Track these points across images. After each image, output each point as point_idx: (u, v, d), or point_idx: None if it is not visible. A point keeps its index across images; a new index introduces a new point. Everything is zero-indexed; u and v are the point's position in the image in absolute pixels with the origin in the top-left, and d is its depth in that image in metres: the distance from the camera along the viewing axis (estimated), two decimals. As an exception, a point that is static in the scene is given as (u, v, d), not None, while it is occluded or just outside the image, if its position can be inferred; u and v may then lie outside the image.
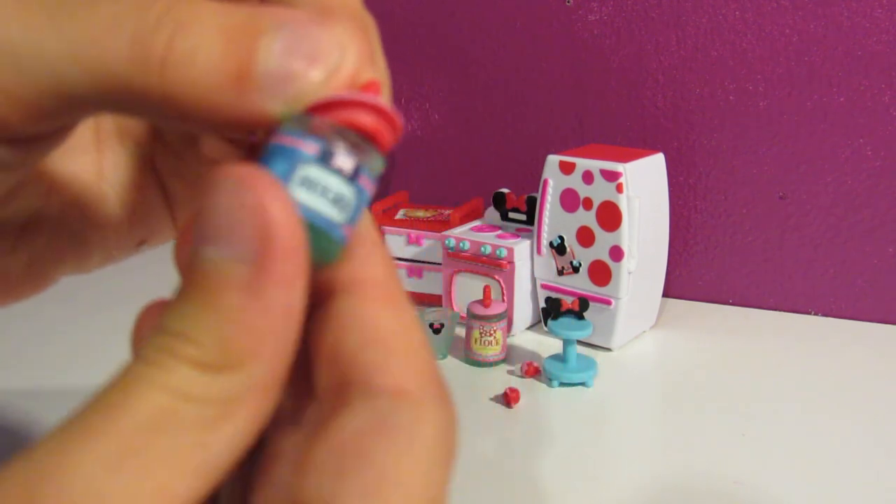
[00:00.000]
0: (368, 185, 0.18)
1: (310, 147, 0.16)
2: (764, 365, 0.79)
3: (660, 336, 0.86)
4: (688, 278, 0.95)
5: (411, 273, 0.94)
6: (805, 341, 0.84)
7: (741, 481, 0.59)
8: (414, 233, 0.93)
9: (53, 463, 0.14)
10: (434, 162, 1.07)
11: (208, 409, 0.15)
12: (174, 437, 0.15)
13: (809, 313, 0.91)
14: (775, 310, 0.92)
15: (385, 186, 1.10)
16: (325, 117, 0.17)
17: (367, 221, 0.19)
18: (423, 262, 0.93)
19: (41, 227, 0.24)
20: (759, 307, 0.93)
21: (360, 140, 0.17)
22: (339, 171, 0.17)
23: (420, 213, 0.98)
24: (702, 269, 0.95)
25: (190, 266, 0.16)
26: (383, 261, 0.18)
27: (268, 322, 0.15)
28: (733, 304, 0.94)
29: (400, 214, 0.97)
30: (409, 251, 0.94)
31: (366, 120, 0.17)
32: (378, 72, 0.19)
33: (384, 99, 0.18)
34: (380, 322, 0.18)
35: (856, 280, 0.88)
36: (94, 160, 0.25)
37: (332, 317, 0.18)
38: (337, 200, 0.17)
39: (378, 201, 0.97)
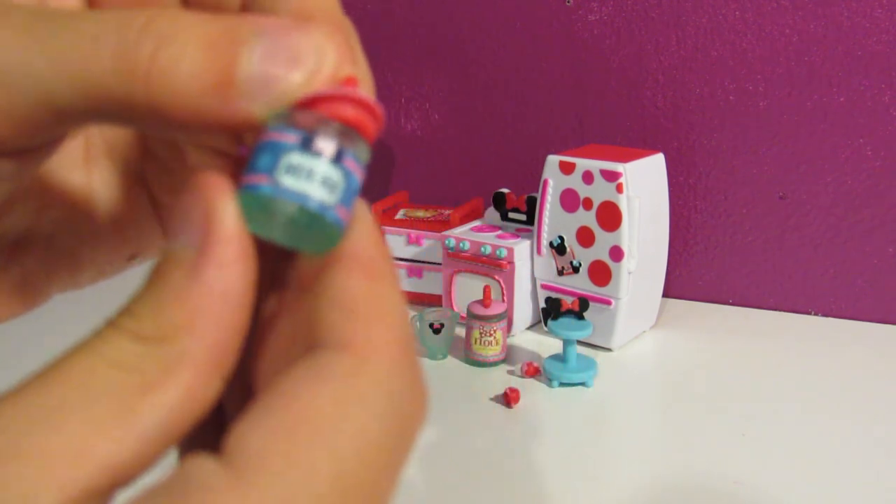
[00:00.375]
0: (356, 169, 0.18)
1: (291, 137, 0.17)
2: (764, 365, 0.79)
3: (660, 336, 0.86)
4: (688, 278, 0.95)
5: (411, 273, 0.94)
6: (805, 341, 0.84)
7: (741, 481, 0.59)
8: (414, 233, 0.93)
9: None
10: (434, 162, 1.07)
11: (138, 377, 0.16)
12: (99, 401, 0.15)
13: (809, 313, 0.91)
14: (775, 310, 0.92)
15: (385, 186, 1.10)
16: (307, 111, 0.18)
17: (365, 208, 0.19)
18: (423, 262, 0.93)
19: (33, 244, 0.24)
20: (759, 307, 0.93)
21: (342, 128, 0.18)
22: (320, 154, 0.17)
23: (420, 213, 0.98)
24: (702, 269, 0.95)
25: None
26: (368, 236, 0.19)
27: (204, 301, 0.16)
28: (733, 304, 0.94)
29: (400, 214, 0.97)
30: (409, 251, 0.94)
31: (346, 110, 0.18)
32: (358, 70, 0.19)
33: (365, 92, 0.19)
34: (351, 288, 0.18)
35: (856, 280, 0.88)
36: (83, 176, 0.25)
37: (311, 291, 0.18)
38: (325, 182, 0.17)
39: (378, 201, 0.97)
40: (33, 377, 0.16)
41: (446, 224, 0.93)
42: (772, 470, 0.61)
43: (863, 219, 0.86)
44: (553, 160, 0.82)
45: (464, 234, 0.88)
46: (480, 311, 0.79)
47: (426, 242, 0.93)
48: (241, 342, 0.17)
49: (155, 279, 0.17)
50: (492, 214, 0.92)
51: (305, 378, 0.17)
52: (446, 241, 0.87)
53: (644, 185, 0.79)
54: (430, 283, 0.93)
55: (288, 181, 0.17)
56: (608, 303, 0.80)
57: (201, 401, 0.17)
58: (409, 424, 0.18)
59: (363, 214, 0.19)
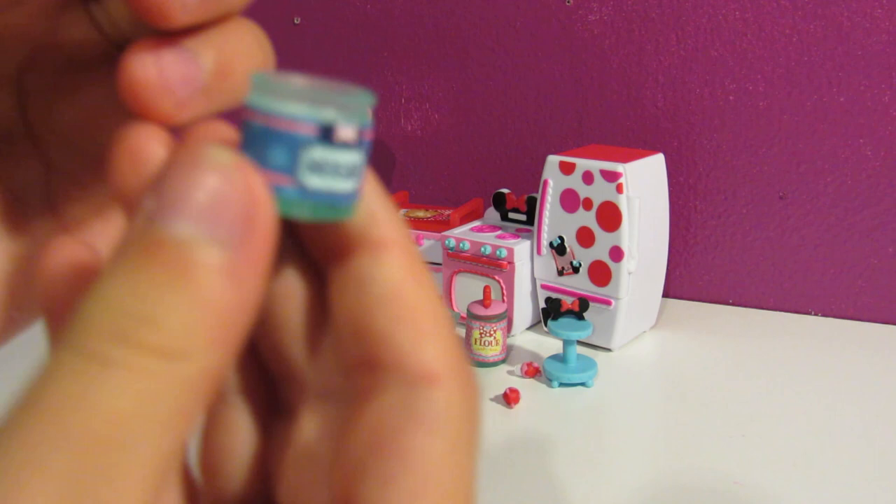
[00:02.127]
0: (370, 135, 0.16)
1: (306, 128, 0.15)
2: (764, 365, 0.79)
3: (660, 336, 0.86)
4: (688, 278, 0.95)
5: (411, 273, 0.94)
6: (805, 341, 0.84)
7: (741, 481, 0.59)
8: (414, 233, 0.93)
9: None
10: (434, 162, 1.07)
11: (170, 404, 0.14)
12: (137, 447, 0.13)
13: (809, 313, 0.91)
14: (775, 310, 0.92)
15: (385, 186, 1.10)
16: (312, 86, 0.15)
17: (371, 178, 0.18)
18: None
19: None
20: (759, 307, 0.93)
21: (358, 97, 0.16)
22: (345, 145, 0.15)
23: (420, 214, 0.98)
24: (702, 269, 0.95)
25: (141, 237, 0.14)
26: (397, 219, 0.18)
27: (238, 309, 0.14)
28: (733, 304, 0.94)
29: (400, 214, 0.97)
30: (409, 251, 0.94)
31: None
32: None
33: None
34: (406, 293, 0.17)
35: (856, 280, 0.88)
36: None
37: (354, 280, 0.17)
38: (351, 171, 0.16)
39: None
40: (33, 425, 0.13)
41: (446, 224, 0.93)
42: (772, 470, 0.61)
43: (863, 219, 0.86)
44: (553, 160, 0.82)
45: (464, 235, 0.88)
46: (480, 311, 0.79)
47: (426, 242, 0.93)
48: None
49: (177, 278, 0.14)
50: (492, 214, 0.92)
51: (410, 428, 0.16)
52: (446, 242, 0.87)
53: (644, 185, 0.79)
54: (430, 284, 0.93)
55: (314, 182, 0.15)
56: (608, 303, 0.80)
57: (200, 415, 0.15)
58: (480, 432, 0.17)
59: (384, 196, 0.18)
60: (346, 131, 0.15)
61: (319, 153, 0.15)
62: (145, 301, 0.14)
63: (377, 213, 0.17)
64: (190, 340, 0.14)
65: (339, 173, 0.15)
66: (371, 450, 0.16)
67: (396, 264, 0.17)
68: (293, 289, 0.18)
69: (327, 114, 0.15)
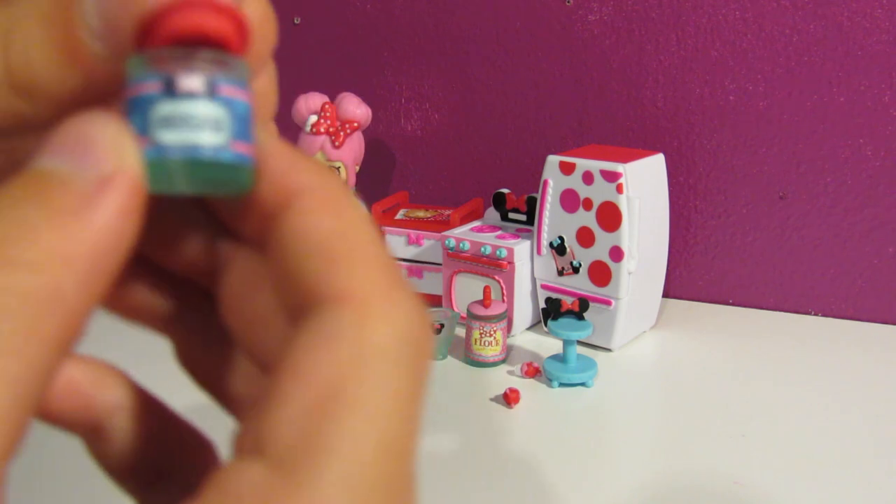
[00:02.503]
0: (238, 93, 0.16)
1: (153, 86, 0.15)
2: (764, 365, 0.79)
3: (660, 336, 0.86)
4: (688, 278, 0.95)
5: (411, 273, 0.94)
6: (805, 341, 0.84)
7: (741, 481, 0.59)
8: (414, 233, 0.93)
9: None
10: (434, 162, 1.07)
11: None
12: None
13: (809, 313, 0.91)
14: (775, 310, 0.92)
15: (385, 186, 1.10)
16: (158, 45, 0.15)
17: (274, 134, 0.18)
18: (424, 262, 0.93)
19: None
20: (759, 307, 0.93)
21: (203, 54, 0.16)
22: (190, 94, 0.15)
23: (420, 214, 0.98)
24: (702, 269, 0.95)
25: (18, 174, 0.16)
26: (312, 166, 0.18)
27: (88, 235, 0.15)
28: (733, 304, 0.94)
29: (400, 214, 0.97)
30: (410, 251, 0.94)
31: (195, 20, 0.16)
32: None
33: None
34: (318, 228, 0.17)
35: (856, 280, 0.88)
36: None
37: (277, 238, 0.17)
38: (205, 123, 0.16)
39: (378, 201, 0.97)
40: None
41: (446, 224, 0.93)
42: (772, 470, 0.61)
43: (863, 219, 0.86)
44: (553, 160, 0.82)
45: (464, 235, 0.88)
46: (480, 311, 0.79)
47: (426, 242, 0.93)
48: (109, 288, 0.16)
49: (30, 197, 0.15)
50: (492, 214, 0.92)
51: (314, 347, 0.15)
52: (446, 242, 0.87)
53: (644, 185, 0.79)
54: (430, 284, 0.93)
55: (167, 137, 0.15)
56: (608, 303, 0.80)
57: (64, 347, 0.15)
58: (424, 363, 0.16)
59: (278, 144, 0.18)
60: (188, 82, 0.15)
61: (166, 107, 0.15)
62: (9, 223, 0.15)
63: (278, 171, 0.17)
64: (41, 255, 0.15)
65: (194, 124, 0.15)
66: (276, 381, 0.16)
67: (306, 205, 0.17)
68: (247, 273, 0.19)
69: (166, 68, 0.15)
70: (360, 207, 0.18)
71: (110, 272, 0.16)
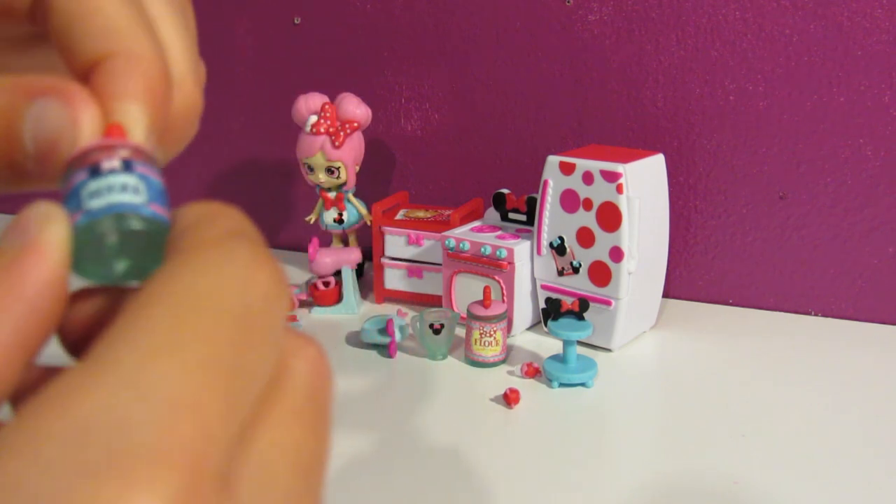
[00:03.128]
0: (151, 172, 0.20)
1: (81, 175, 0.19)
2: (764, 365, 0.79)
3: (660, 336, 0.86)
4: (688, 278, 0.95)
5: (411, 273, 0.94)
6: (805, 341, 0.84)
7: (741, 481, 0.59)
8: (414, 233, 0.93)
9: None
10: (434, 162, 1.07)
11: None
12: None
13: (809, 313, 0.91)
14: (775, 310, 0.92)
15: (385, 186, 1.10)
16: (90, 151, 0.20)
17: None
18: (423, 262, 0.93)
19: None
20: (759, 307, 0.93)
21: (119, 151, 0.20)
22: (111, 171, 0.19)
23: (420, 214, 0.98)
24: (702, 269, 0.95)
25: None
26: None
27: (16, 288, 0.17)
28: (733, 304, 0.94)
29: (400, 215, 0.97)
30: (410, 251, 0.94)
31: (104, 156, 0.20)
32: (125, 115, 0.21)
33: (137, 133, 0.21)
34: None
35: (856, 280, 0.88)
36: None
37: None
38: (125, 188, 0.19)
39: (378, 201, 0.97)
40: None
41: (446, 224, 0.93)
42: (772, 470, 0.61)
43: (863, 219, 0.86)
44: (553, 160, 0.82)
45: (464, 235, 0.88)
46: (480, 311, 0.79)
47: (426, 243, 0.93)
48: (39, 347, 0.18)
49: None
50: (492, 215, 0.92)
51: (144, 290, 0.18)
52: (446, 242, 0.87)
53: (644, 185, 0.79)
54: (430, 284, 0.93)
55: (94, 203, 0.19)
56: (608, 303, 0.80)
57: None
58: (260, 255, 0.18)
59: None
60: (109, 163, 0.19)
61: (93, 185, 0.19)
62: None
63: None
64: None
65: (113, 190, 0.19)
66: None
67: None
68: None
69: (92, 160, 0.19)
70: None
71: (31, 302, 0.18)
